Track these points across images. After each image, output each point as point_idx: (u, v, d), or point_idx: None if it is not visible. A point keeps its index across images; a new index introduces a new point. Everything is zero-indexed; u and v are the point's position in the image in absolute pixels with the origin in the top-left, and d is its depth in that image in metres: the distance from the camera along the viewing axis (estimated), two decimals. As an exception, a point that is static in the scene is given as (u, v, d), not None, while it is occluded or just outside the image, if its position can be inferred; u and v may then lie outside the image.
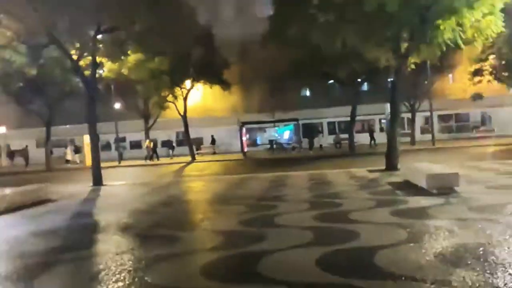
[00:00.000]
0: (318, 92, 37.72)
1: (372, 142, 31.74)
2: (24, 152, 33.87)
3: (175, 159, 31.64)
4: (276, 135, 35.58)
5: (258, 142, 36.45)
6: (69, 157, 32.98)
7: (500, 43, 22.86)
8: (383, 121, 35.52)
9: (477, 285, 3.59)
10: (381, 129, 34.21)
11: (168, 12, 15.40)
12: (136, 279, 4.29)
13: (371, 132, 32.67)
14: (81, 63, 15.57)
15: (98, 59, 16.36)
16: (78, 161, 32.92)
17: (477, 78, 28.33)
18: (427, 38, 12.65)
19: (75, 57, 15.17)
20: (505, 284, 3.58)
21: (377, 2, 11.40)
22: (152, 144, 31.90)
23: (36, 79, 22.85)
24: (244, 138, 33.23)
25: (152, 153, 31.71)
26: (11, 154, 36.32)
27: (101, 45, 16.35)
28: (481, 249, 4.59)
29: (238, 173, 17.25)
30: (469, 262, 4.18)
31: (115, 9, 14.06)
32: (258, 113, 36.37)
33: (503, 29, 13.05)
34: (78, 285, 4.31)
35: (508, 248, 4.58)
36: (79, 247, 5.94)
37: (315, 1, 13.34)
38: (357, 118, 29.73)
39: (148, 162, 30.44)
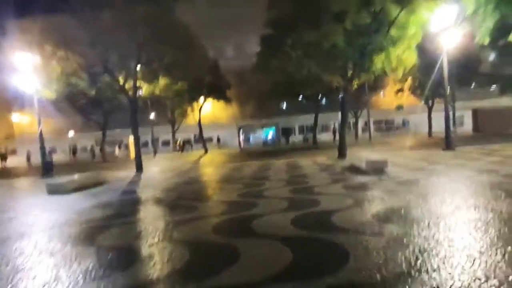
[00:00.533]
0: (291, 105, 37.68)
1: (334, 138, 31.94)
2: (91, 149, 35.91)
3: (194, 152, 31.46)
4: (263, 135, 35.65)
5: (251, 139, 36.35)
6: (117, 152, 33.18)
7: (415, 70, 23.08)
8: (336, 124, 35.66)
9: (399, 234, 3.65)
10: (335, 130, 34.31)
11: (187, 50, 15.24)
12: (167, 236, 4.28)
13: (334, 132, 32.86)
14: (126, 86, 15.31)
15: (138, 83, 16.12)
16: (122, 155, 33.18)
17: (399, 94, 28.65)
18: (365, 67, 12.75)
19: (122, 81, 14.95)
20: (418, 233, 3.64)
21: (330, 42, 11.46)
22: (181, 142, 32.49)
23: (95, 97, 22.57)
24: (241, 137, 33.21)
25: (182, 148, 32.00)
26: (74, 151, 37.14)
27: (140, 73, 16.15)
28: (402, 210, 4.66)
29: (236, 161, 17.18)
30: (394, 219, 4.25)
31: (150, 48, 13.92)
32: (251, 120, 36.39)
33: (417, 60, 13.26)
34: (126, 241, 4.27)
35: (420, 209, 4.66)
36: (126, 214, 5.89)
37: (288, 42, 13.30)
38: (318, 123, 29.82)
39: (178, 153, 30.55)
